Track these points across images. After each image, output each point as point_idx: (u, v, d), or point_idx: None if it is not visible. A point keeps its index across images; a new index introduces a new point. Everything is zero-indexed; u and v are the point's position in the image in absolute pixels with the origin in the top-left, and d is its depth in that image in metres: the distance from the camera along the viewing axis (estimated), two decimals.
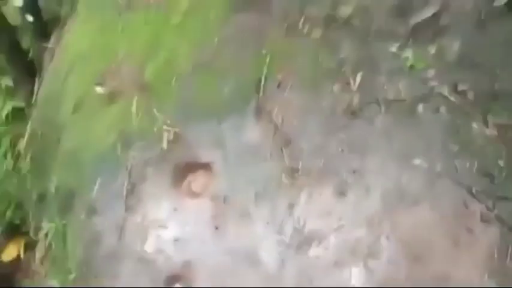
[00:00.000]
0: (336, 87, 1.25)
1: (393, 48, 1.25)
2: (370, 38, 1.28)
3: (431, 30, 1.26)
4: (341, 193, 1.10)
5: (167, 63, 1.34)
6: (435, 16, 1.27)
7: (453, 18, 1.27)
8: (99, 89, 1.28)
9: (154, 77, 1.33)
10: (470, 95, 1.13)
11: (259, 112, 1.24)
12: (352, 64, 1.26)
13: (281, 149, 1.16)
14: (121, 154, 1.21)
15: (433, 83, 1.16)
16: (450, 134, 1.10)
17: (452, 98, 1.12)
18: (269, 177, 1.14)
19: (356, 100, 1.22)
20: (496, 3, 1.26)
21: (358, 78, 1.24)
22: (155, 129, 1.21)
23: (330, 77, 1.26)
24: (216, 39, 1.34)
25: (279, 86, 1.27)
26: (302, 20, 1.33)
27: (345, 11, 1.32)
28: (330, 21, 1.33)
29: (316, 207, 1.11)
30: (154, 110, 1.26)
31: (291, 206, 1.12)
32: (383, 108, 1.17)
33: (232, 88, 1.27)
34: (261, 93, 1.26)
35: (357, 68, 1.25)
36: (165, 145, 1.18)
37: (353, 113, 1.20)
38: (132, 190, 1.17)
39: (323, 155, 1.14)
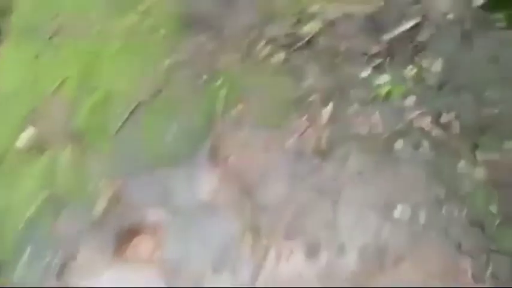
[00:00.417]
0: (303, 122, 1.13)
1: (366, 72, 1.13)
2: (339, 60, 1.17)
3: (409, 47, 1.16)
4: (312, 252, 1.00)
5: (103, 102, 1.21)
6: (413, 30, 1.17)
7: (434, 32, 1.16)
8: (23, 139, 1.14)
9: (88, 120, 1.19)
10: (456, 127, 1.03)
11: (213, 158, 1.13)
12: (319, 93, 1.15)
13: (241, 203, 1.04)
14: (51, 219, 1.07)
15: (413, 114, 1.06)
16: (434, 175, 1.00)
17: (435, 133, 1.02)
18: (228, 238, 1.02)
19: (325, 137, 1.10)
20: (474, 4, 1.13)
21: (328, 109, 1.13)
22: (90, 186, 1.08)
23: (295, 110, 1.14)
24: (161, 69, 1.21)
25: (235, 121, 1.15)
26: (262, 42, 1.20)
27: (310, 28, 1.21)
28: (293, 41, 1.21)
29: (285, 271, 1.00)
30: (90, 163, 1.13)
31: (256, 271, 1.01)
32: (356, 146, 1.07)
33: (181, 129, 1.15)
34: (215, 134, 1.14)
35: (326, 98, 1.14)
36: (103, 206, 1.05)
37: (323, 153, 1.09)
38: (65, 263, 1.03)
39: (290, 207, 1.03)
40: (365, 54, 1.18)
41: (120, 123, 1.17)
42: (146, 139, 1.16)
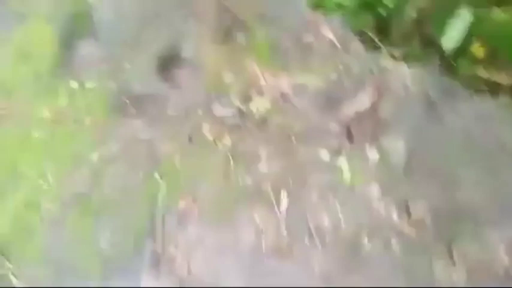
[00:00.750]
0: (257, 215, 1.03)
1: (323, 155, 1.06)
2: (294, 141, 1.10)
3: (369, 125, 1.09)
4: None
5: (26, 203, 1.10)
6: (372, 105, 1.12)
7: (395, 106, 1.11)
8: None
9: (8, 226, 1.07)
10: (427, 219, 0.94)
11: (156, 263, 1.01)
12: (274, 180, 1.06)
13: None
14: None
15: (379, 205, 0.97)
16: (407, 279, 0.89)
17: (405, 228, 0.92)
18: None
19: (284, 232, 1.00)
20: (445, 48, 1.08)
21: (284, 199, 1.03)
22: None
23: (247, 200, 1.04)
24: (93, 159, 1.12)
25: (180, 220, 1.04)
26: (207, 124, 1.14)
27: (260, 105, 1.15)
28: (243, 121, 1.14)
29: None
30: (10, 276, 1.00)
31: None
32: (319, 244, 0.96)
33: (117, 232, 1.03)
34: (157, 235, 1.03)
35: (281, 185, 1.05)
36: None
37: (281, 252, 0.98)
38: None
39: None
40: (322, 133, 1.11)
41: (46, 228, 1.06)
42: (76, 245, 1.04)
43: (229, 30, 1.29)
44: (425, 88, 1.15)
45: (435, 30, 1.09)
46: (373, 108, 1.12)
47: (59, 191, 1.08)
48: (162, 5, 1.30)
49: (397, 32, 1.20)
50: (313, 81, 1.18)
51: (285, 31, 1.24)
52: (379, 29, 1.18)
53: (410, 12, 1.13)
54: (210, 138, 1.13)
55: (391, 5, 1.15)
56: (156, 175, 1.09)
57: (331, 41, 1.21)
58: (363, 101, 1.13)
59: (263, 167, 1.10)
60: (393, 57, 1.19)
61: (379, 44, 1.18)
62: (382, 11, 1.16)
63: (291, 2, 1.30)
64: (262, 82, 1.20)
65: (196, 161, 1.11)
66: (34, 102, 1.22)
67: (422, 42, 1.17)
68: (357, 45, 1.21)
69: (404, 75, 1.16)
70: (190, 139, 1.14)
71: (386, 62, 1.19)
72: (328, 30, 1.21)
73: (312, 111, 1.15)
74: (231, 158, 1.11)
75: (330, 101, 1.15)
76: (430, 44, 1.13)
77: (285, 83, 1.19)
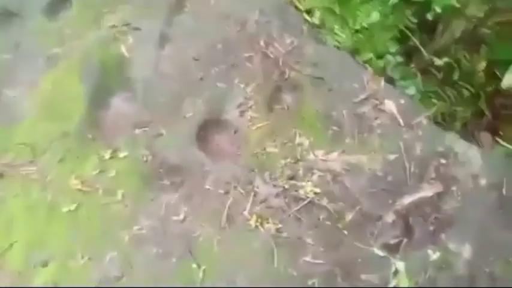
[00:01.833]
0: None
1: (378, 251, 1.12)
2: (345, 230, 1.18)
3: (430, 219, 1.14)
4: None
5: (54, 283, 1.19)
6: (435, 197, 1.16)
7: (462, 200, 1.16)
8: None
9: None
10: None
11: None
12: (321, 274, 1.13)
13: None
14: None
15: None
16: None
17: None
18: None
19: None
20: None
21: None
22: None
23: None
24: (124, 238, 1.21)
25: None
26: (248, 205, 1.21)
27: (309, 185, 1.23)
28: (288, 203, 1.22)
29: None
30: None
31: None
32: None
33: None
34: None
35: (329, 281, 1.12)
36: None
37: None
38: None
39: None
40: (376, 224, 1.16)
41: None
42: None
43: (277, 92, 1.37)
44: (497, 180, 1.18)
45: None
46: (436, 199, 1.17)
47: (88, 273, 1.17)
48: (205, 65, 1.37)
49: None
50: (369, 161, 1.24)
51: (340, 99, 1.30)
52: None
53: None
54: (252, 221, 1.20)
55: None
56: (191, 261, 1.16)
57: (392, 115, 1.27)
58: (425, 190, 1.18)
59: (309, 258, 1.16)
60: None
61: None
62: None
63: (351, 66, 1.36)
64: (311, 157, 1.26)
65: (235, 246, 1.19)
66: (61, 167, 1.32)
67: None
68: (422, 120, 1.26)
69: (473, 160, 1.21)
70: (229, 220, 1.21)
71: (454, 142, 1.24)
72: (391, 103, 1.27)
73: (366, 197, 1.21)
74: (274, 245, 1.17)
75: (388, 186, 1.22)
76: None
77: (337, 161, 1.25)
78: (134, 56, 1.45)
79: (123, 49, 1.45)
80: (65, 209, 1.30)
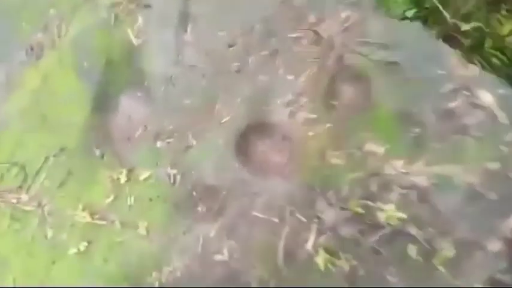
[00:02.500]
0: None
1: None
2: (439, 266, 1.00)
3: None
4: None
5: None
6: None
7: None
8: None
9: None
10: None
11: None
12: None
13: None
14: None
15: None
16: None
17: None
18: None
19: None
20: None
21: None
22: None
23: None
24: (152, 283, 1.06)
25: None
26: (311, 234, 1.05)
27: (389, 208, 1.06)
28: (363, 233, 1.06)
29: None
30: None
31: None
32: None
33: None
34: None
35: None
36: None
37: None
38: None
39: None
40: (476, 253, 0.99)
41: None
42: None
43: (335, 83, 1.16)
44: None
45: None
46: None
47: None
48: (241, 52, 1.15)
49: None
50: (463, 172, 1.05)
51: (421, 91, 1.10)
52: None
53: None
54: (318, 257, 1.02)
55: None
56: None
57: (490, 111, 1.07)
58: None
59: None
60: None
61: None
62: None
63: (431, 45, 1.13)
64: (389, 170, 1.07)
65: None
66: (63, 193, 1.13)
67: None
68: None
69: None
70: (288, 257, 1.03)
71: None
72: (488, 94, 1.06)
73: (463, 220, 1.03)
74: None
75: (490, 205, 1.03)
76: None
77: (422, 173, 1.07)
78: (146, 42, 1.24)
79: (131, 34, 1.23)
80: (72, 250, 1.13)
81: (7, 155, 1.26)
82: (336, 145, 1.15)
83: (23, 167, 1.23)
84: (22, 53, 1.31)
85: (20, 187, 1.22)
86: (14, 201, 1.22)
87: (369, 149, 1.15)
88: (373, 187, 1.15)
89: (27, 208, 1.19)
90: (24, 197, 1.21)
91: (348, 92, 1.22)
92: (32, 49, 1.29)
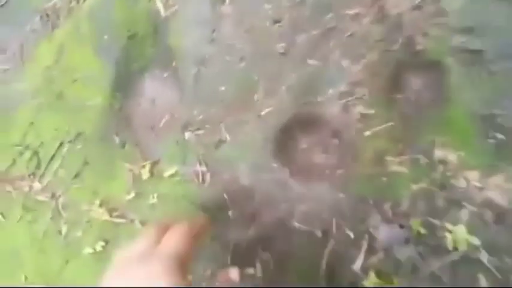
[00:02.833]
0: None
1: None
2: None
3: None
4: None
5: None
6: None
7: None
8: None
9: None
10: None
11: None
12: None
13: None
14: None
15: None
16: None
17: None
18: None
19: None
20: None
21: None
22: None
23: None
24: None
25: None
26: (371, 265, 0.92)
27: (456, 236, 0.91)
28: (425, 256, 0.91)
29: None
30: None
31: None
32: None
33: None
34: None
35: None
36: None
37: None
38: None
39: None
40: None
41: None
42: None
43: (402, 72, 0.99)
44: None
45: None
46: None
47: None
48: (288, 30, 0.99)
49: None
50: None
51: (507, 92, 0.91)
52: None
53: None
54: (367, 281, 0.89)
55: None
56: None
57: None
58: None
59: None
60: None
61: None
62: None
63: None
64: (461, 183, 0.92)
65: None
66: (78, 185, 1.04)
67: None
68: None
69: None
70: (330, 278, 0.90)
71: None
72: None
73: None
74: None
75: None
76: None
77: (502, 189, 0.92)
78: (176, 14, 1.10)
79: (158, 2, 1.08)
80: (87, 250, 1.05)
81: (19, 137, 1.19)
82: (397, 149, 0.99)
83: (36, 152, 1.15)
84: (36, 19, 1.21)
85: (33, 174, 1.15)
86: (27, 189, 1.15)
87: (439, 156, 1.00)
88: (441, 202, 1.01)
89: (40, 198, 1.13)
90: (36, 185, 1.13)
91: (416, 84, 1.05)
92: (47, 15, 1.18)
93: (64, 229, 1.10)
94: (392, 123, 1.01)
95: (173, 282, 0.81)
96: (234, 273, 1.00)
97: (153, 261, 0.83)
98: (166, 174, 1.04)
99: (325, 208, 1.01)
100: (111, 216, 1.07)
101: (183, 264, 0.85)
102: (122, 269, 0.84)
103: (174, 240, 0.91)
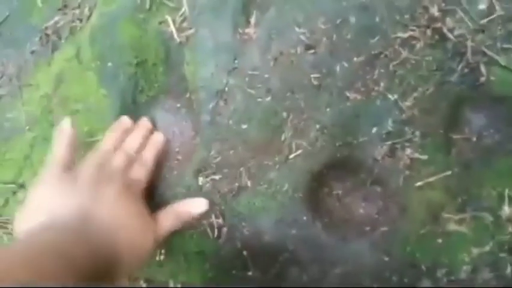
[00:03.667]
0: None
1: None
2: None
3: None
4: None
5: None
6: None
7: None
8: None
9: None
10: None
11: None
12: None
13: None
14: None
15: None
16: None
17: None
18: None
19: None
20: None
21: None
22: None
23: None
24: None
25: None
26: None
27: None
28: None
29: None
30: None
31: None
32: None
33: None
34: None
35: None
36: None
37: None
38: None
39: None
40: None
41: None
42: None
43: (463, 108, 0.88)
44: None
45: None
46: None
47: None
48: (325, 57, 0.90)
49: None
50: None
51: None
52: None
53: None
54: None
55: None
56: None
57: None
58: None
59: None
60: None
61: None
62: None
63: None
64: None
65: None
66: None
67: None
68: None
69: None
70: None
71: None
72: None
73: None
74: None
75: None
76: None
77: None
78: (192, 38, 1.03)
79: (171, 24, 1.02)
80: None
81: (13, 174, 1.15)
82: (456, 204, 0.89)
83: None
84: (36, 39, 1.16)
85: None
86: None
87: (507, 214, 0.91)
88: (509, 270, 0.90)
89: None
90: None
91: (480, 122, 0.96)
92: (47, 36, 1.13)
93: None
94: (449, 172, 0.92)
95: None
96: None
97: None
98: None
99: (365, 273, 0.93)
100: None
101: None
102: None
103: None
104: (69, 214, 0.83)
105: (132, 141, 0.97)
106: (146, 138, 1.00)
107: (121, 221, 0.85)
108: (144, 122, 1.02)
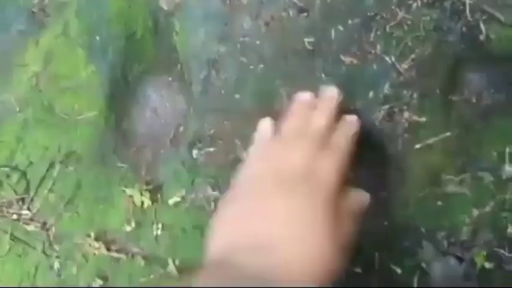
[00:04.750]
0: None
1: None
2: None
3: None
4: None
5: None
6: None
7: None
8: None
9: None
10: None
11: None
12: None
13: None
14: None
15: None
16: None
17: None
18: None
19: None
20: None
21: None
22: None
23: None
24: None
25: None
26: None
27: None
28: None
29: None
30: None
31: None
32: None
33: None
34: None
35: None
36: None
37: None
38: None
39: None
40: None
41: None
42: None
43: (461, 69, 0.92)
44: None
45: None
46: None
47: None
48: (319, 21, 0.96)
49: None
50: None
51: None
52: None
53: None
54: None
55: None
56: None
57: None
58: None
59: None
60: None
61: None
62: None
63: None
64: None
65: None
66: (71, 213, 1.03)
67: None
68: None
69: None
70: None
71: None
72: None
73: None
74: None
75: None
76: None
77: None
78: (181, 6, 1.09)
79: None
80: None
81: (6, 157, 1.23)
82: (456, 165, 0.94)
83: (24, 174, 1.18)
84: (22, 18, 1.23)
85: (22, 199, 1.17)
86: (15, 217, 1.17)
87: (508, 173, 0.96)
88: (510, 230, 0.95)
89: (30, 228, 1.16)
90: (25, 212, 1.16)
91: (479, 83, 1.00)
92: (33, 14, 1.19)
93: (56, 264, 1.15)
94: (449, 133, 0.97)
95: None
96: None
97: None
98: (172, 200, 1.04)
99: (366, 239, 0.98)
100: (109, 250, 1.11)
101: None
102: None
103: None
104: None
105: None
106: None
107: None
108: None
